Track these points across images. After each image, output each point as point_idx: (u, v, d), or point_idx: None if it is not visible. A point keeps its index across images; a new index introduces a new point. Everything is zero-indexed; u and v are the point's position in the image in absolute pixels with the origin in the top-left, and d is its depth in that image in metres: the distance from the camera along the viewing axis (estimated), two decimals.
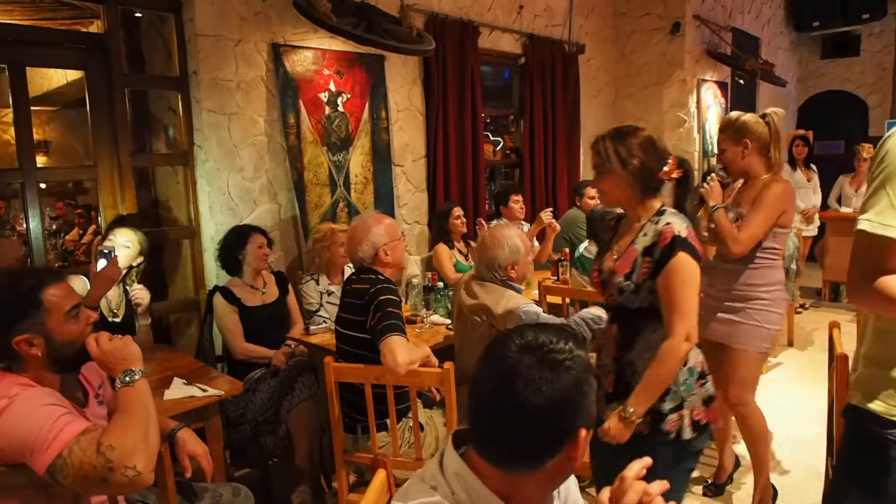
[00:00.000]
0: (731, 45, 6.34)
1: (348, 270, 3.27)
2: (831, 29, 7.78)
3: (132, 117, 3.30)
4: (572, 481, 1.22)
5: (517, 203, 4.31)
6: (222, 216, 3.31)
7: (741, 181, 2.58)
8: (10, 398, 1.39)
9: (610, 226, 1.97)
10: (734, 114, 2.52)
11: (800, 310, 5.74)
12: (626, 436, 1.69)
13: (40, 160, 5.07)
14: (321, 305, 3.22)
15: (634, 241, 1.77)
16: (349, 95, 3.78)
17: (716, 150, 5.90)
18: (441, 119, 4.27)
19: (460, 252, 4.08)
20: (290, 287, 3.24)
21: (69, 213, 5.51)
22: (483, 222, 4.27)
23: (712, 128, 6.27)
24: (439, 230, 4.07)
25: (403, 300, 2.99)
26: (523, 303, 2.39)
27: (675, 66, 5.88)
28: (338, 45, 3.68)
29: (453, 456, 1.02)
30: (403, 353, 2.10)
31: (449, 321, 3.07)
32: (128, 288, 2.81)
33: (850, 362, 1.94)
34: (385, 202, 4.03)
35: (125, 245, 2.73)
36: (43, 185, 3.67)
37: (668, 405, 1.72)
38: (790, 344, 4.89)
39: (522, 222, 4.35)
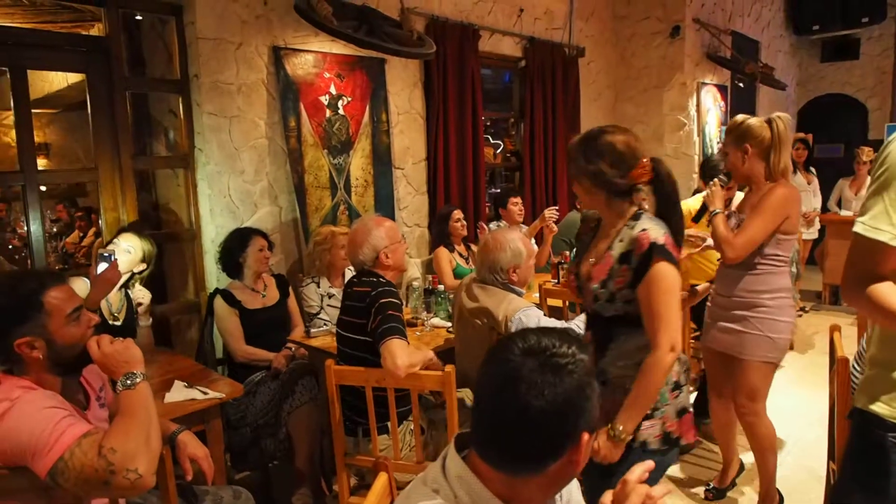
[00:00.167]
0: (731, 49, 6.35)
1: (349, 273, 3.27)
2: (831, 32, 7.79)
3: (133, 120, 3.30)
4: (574, 484, 1.22)
5: (516, 206, 4.31)
6: (223, 219, 3.31)
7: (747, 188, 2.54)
8: (12, 401, 1.39)
9: (590, 227, 1.93)
10: (740, 117, 2.48)
11: (800, 313, 5.74)
12: (616, 455, 1.65)
13: (41, 163, 5.09)
14: (322, 308, 3.22)
15: (611, 246, 1.74)
16: (350, 98, 3.78)
17: (716, 153, 5.93)
18: (441, 122, 4.28)
19: (460, 255, 4.08)
20: (290, 290, 3.24)
21: (70, 216, 5.51)
22: (484, 226, 4.27)
23: (712, 131, 6.28)
24: (439, 233, 4.07)
25: (404, 303, 2.98)
26: (524, 306, 2.39)
27: (675, 70, 5.89)
28: (338, 48, 3.69)
29: (456, 459, 1.02)
30: (403, 355, 2.10)
31: (449, 324, 3.07)
32: (129, 293, 2.81)
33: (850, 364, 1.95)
34: (385, 205, 4.03)
35: (127, 250, 2.74)
36: (43, 188, 3.66)
37: None
38: (791, 347, 4.89)
39: (522, 225, 4.35)
